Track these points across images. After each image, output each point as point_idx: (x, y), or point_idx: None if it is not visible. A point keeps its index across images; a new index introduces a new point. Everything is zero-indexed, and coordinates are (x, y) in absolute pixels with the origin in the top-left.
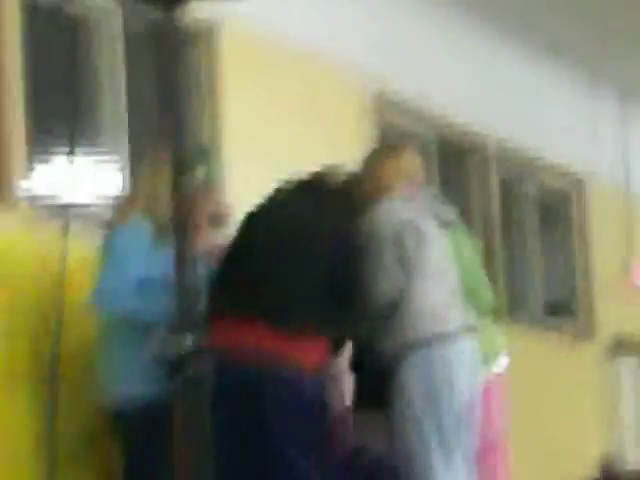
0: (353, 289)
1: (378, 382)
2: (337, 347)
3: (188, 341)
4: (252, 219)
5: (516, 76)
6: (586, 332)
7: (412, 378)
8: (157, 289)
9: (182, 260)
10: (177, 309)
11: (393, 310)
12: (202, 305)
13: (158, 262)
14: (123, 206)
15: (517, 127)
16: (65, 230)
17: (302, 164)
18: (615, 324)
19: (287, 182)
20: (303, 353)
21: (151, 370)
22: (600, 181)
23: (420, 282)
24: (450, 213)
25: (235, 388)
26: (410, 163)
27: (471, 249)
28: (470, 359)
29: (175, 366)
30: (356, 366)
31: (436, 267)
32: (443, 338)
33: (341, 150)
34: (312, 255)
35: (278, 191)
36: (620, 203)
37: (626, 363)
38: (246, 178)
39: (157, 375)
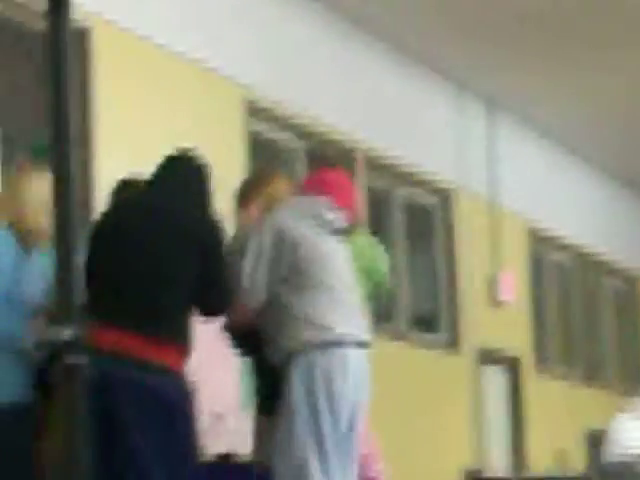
0: (218, 292)
1: (271, 387)
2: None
3: (66, 332)
4: (108, 217)
5: (385, 87)
6: (452, 344)
7: (294, 383)
8: (23, 304)
9: (63, 255)
10: (57, 302)
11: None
12: (81, 299)
13: (25, 272)
14: None
15: (386, 138)
16: None
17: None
18: (481, 336)
19: (140, 183)
20: (162, 354)
21: (15, 373)
22: (467, 193)
23: (304, 291)
24: (341, 221)
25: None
26: (280, 188)
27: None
28: (353, 370)
29: (53, 356)
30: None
31: (322, 278)
32: (326, 345)
33: (212, 151)
34: (174, 257)
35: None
36: (487, 216)
37: (492, 374)
38: (117, 172)
39: (22, 376)
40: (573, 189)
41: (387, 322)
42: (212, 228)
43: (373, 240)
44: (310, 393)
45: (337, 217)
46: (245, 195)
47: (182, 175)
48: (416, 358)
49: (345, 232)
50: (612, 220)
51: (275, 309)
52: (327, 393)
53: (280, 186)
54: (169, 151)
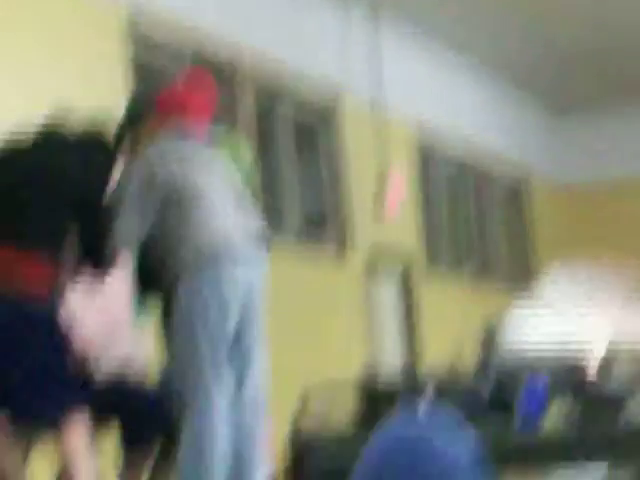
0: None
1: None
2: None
3: None
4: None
5: None
6: (342, 250)
7: (186, 299)
8: None
9: None
10: None
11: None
12: None
13: None
14: None
15: (269, 44)
16: None
17: (58, 83)
18: (371, 241)
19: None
20: (32, 273)
21: None
22: (353, 97)
23: (194, 210)
24: (205, 141)
25: None
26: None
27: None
28: (244, 287)
29: None
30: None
31: (200, 199)
32: (217, 261)
33: (98, 67)
34: (57, 177)
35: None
36: (373, 118)
37: (384, 277)
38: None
39: None
40: (462, 90)
41: (275, 232)
42: (90, 186)
43: (238, 138)
44: (202, 305)
45: (200, 140)
46: (122, 137)
47: (65, 136)
48: (305, 268)
49: (213, 149)
50: (501, 119)
51: (157, 239)
52: (218, 304)
53: (152, 125)
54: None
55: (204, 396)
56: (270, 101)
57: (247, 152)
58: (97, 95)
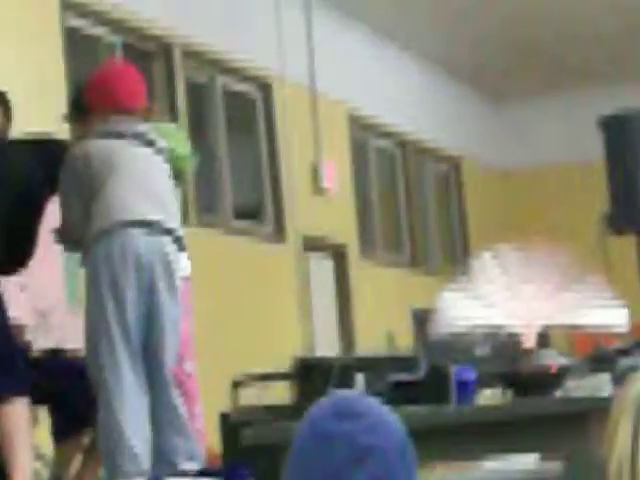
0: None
1: None
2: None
3: None
4: None
5: None
6: (277, 234)
7: (93, 267)
8: None
9: None
10: None
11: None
12: None
13: None
14: None
15: (203, 27)
16: None
17: None
18: (306, 225)
19: None
20: None
21: None
22: (287, 82)
23: (99, 192)
24: (152, 132)
25: None
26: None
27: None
28: (139, 254)
29: None
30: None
31: (114, 176)
32: (110, 231)
33: (26, 54)
34: None
35: None
36: (307, 104)
37: (318, 262)
38: None
39: None
40: (394, 76)
41: (210, 214)
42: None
43: (173, 127)
44: (95, 280)
45: (133, 125)
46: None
47: None
48: (241, 249)
49: (145, 137)
50: (434, 105)
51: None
52: (110, 280)
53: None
54: None
55: (112, 371)
56: (204, 85)
57: (181, 141)
58: (32, 65)
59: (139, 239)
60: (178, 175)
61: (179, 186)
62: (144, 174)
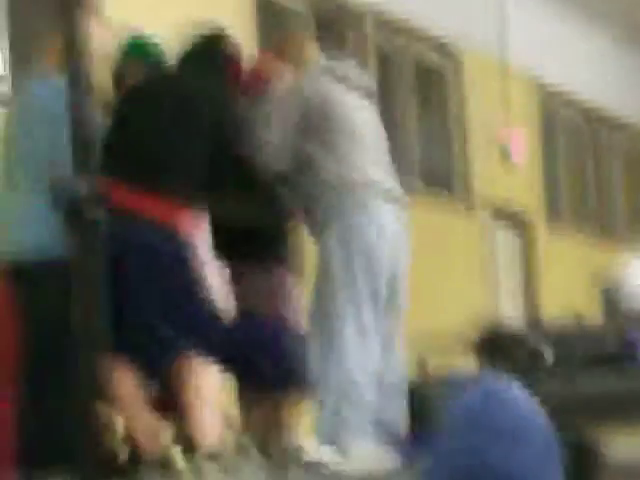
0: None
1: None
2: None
3: (84, 184)
4: (140, 89)
5: None
6: (465, 203)
7: (331, 247)
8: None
9: (77, 101)
10: (73, 152)
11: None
12: (96, 151)
13: None
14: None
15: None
16: None
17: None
18: (494, 195)
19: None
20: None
21: (52, 218)
22: (477, 52)
23: (332, 142)
24: (369, 81)
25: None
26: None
27: None
28: (392, 231)
29: (71, 210)
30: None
31: (354, 134)
32: (362, 206)
33: (222, 18)
34: (196, 124)
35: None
36: (497, 74)
37: (505, 231)
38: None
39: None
40: (583, 45)
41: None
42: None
43: None
44: (348, 259)
45: (360, 75)
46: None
47: (207, 57)
48: (431, 217)
49: (368, 90)
50: (622, 74)
51: (304, 164)
52: (364, 250)
53: (305, 49)
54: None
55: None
56: (394, 55)
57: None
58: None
59: (388, 209)
60: None
61: None
62: (373, 129)
